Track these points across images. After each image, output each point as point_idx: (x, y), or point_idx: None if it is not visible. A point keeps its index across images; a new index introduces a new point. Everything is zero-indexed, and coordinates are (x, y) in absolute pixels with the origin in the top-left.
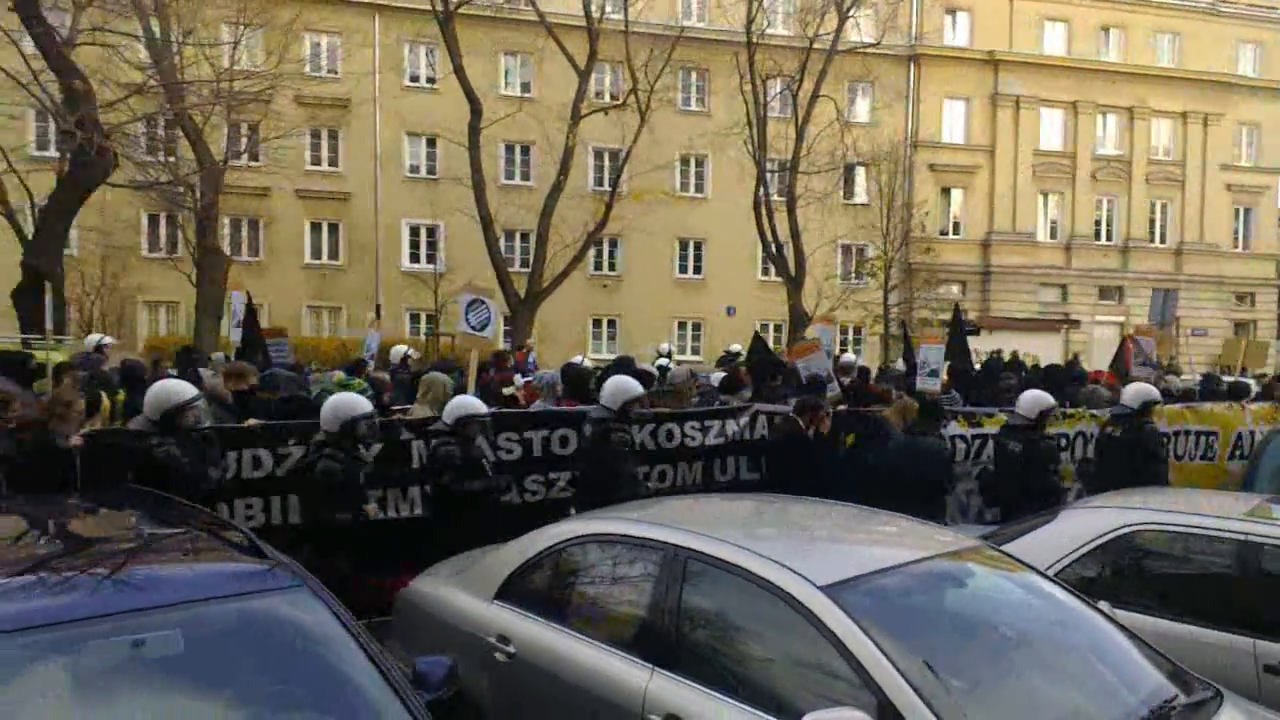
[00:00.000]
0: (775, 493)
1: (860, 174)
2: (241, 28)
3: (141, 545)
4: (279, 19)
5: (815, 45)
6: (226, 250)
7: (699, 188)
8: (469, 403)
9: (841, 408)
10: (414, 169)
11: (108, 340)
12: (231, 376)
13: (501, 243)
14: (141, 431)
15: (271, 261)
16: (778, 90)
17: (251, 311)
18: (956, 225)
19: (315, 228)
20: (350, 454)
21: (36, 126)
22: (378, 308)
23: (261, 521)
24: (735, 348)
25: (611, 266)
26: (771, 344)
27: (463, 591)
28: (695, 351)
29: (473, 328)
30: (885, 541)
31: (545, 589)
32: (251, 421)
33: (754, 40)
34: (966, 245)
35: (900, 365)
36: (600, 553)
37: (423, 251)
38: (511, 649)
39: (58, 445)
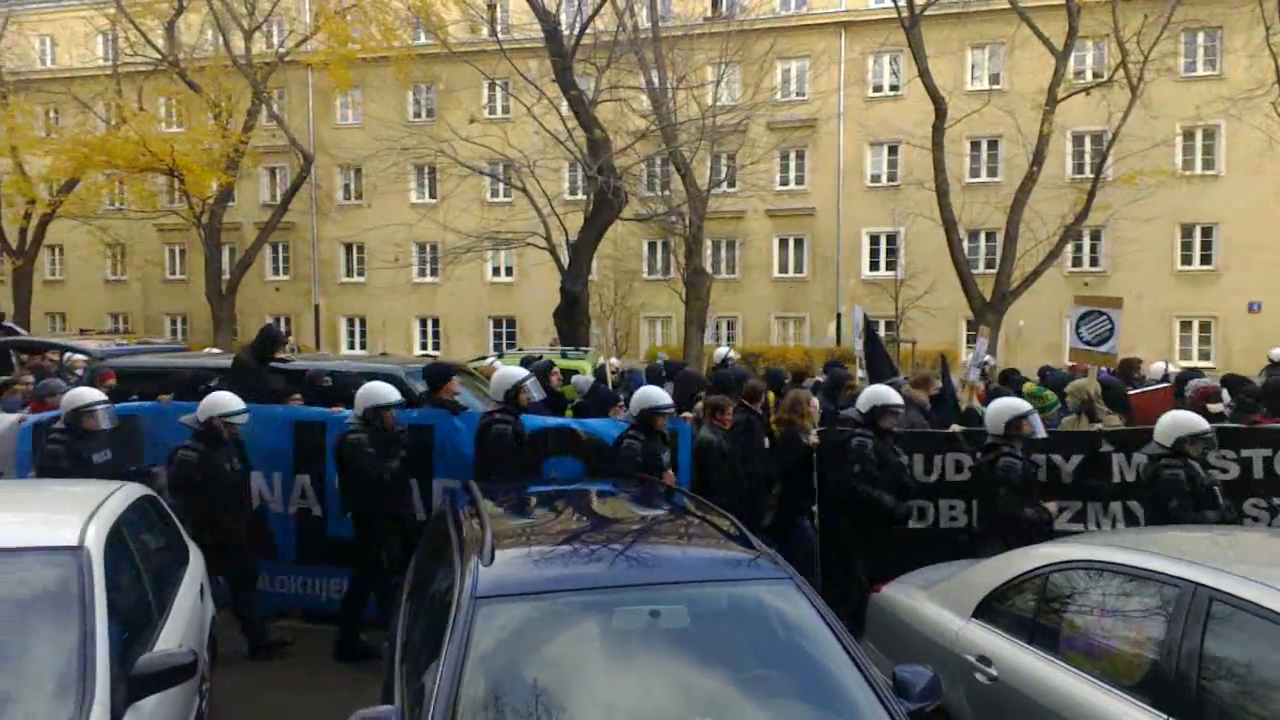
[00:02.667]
0: None
1: None
2: (723, 67)
3: (656, 528)
4: (755, 53)
5: None
6: (709, 269)
7: (1208, 164)
8: (1191, 421)
9: None
10: (875, 178)
11: (733, 354)
12: (919, 385)
13: (965, 244)
14: (857, 421)
15: (745, 277)
16: None
17: (870, 324)
18: None
19: (783, 243)
20: (1016, 453)
21: (569, 175)
22: (839, 316)
23: (964, 522)
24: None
25: (1094, 261)
26: None
27: (937, 605)
28: (1204, 356)
29: (1086, 343)
30: None
31: (1029, 613)
32: (955, 427)
33: None
34: None
35: None
36: (1092, 581)
37: (882, 259)
38: (993, 671)
39: (803, 441)
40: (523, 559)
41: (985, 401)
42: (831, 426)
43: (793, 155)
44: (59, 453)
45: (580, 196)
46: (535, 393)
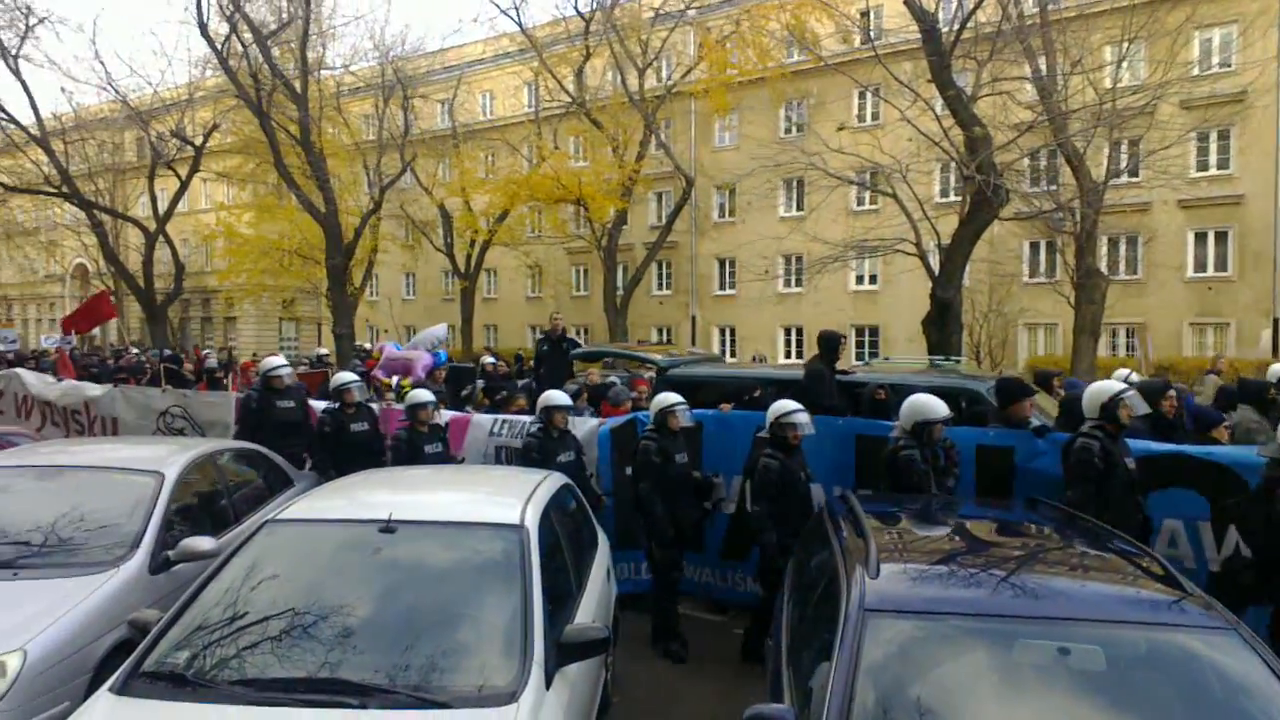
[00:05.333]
0: None
1: None
2: (1125, 44)
3: (1063, 558)
4: (1167, 25)
5: None
6: (1104, 270)
7: None
8: None
9: None
10: None
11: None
12: None
13: None
14: None
15: (1150, 278)
16: None
17: None
18: None
19: (1200, 238)
20: None
21: (941, 177)
22: (1275, 322)
23: None
24: None
25: None
26: None
27: None
28: None
29: None
30: None
31: None
32: None
33: None
34: None
35: None
36: None
37: None
38: None
39: None
40: (911, 575)
41: None
42: None
43: (1214, 136)
44: (652, 449)
45: (954, 198)
46: (1139, 406)
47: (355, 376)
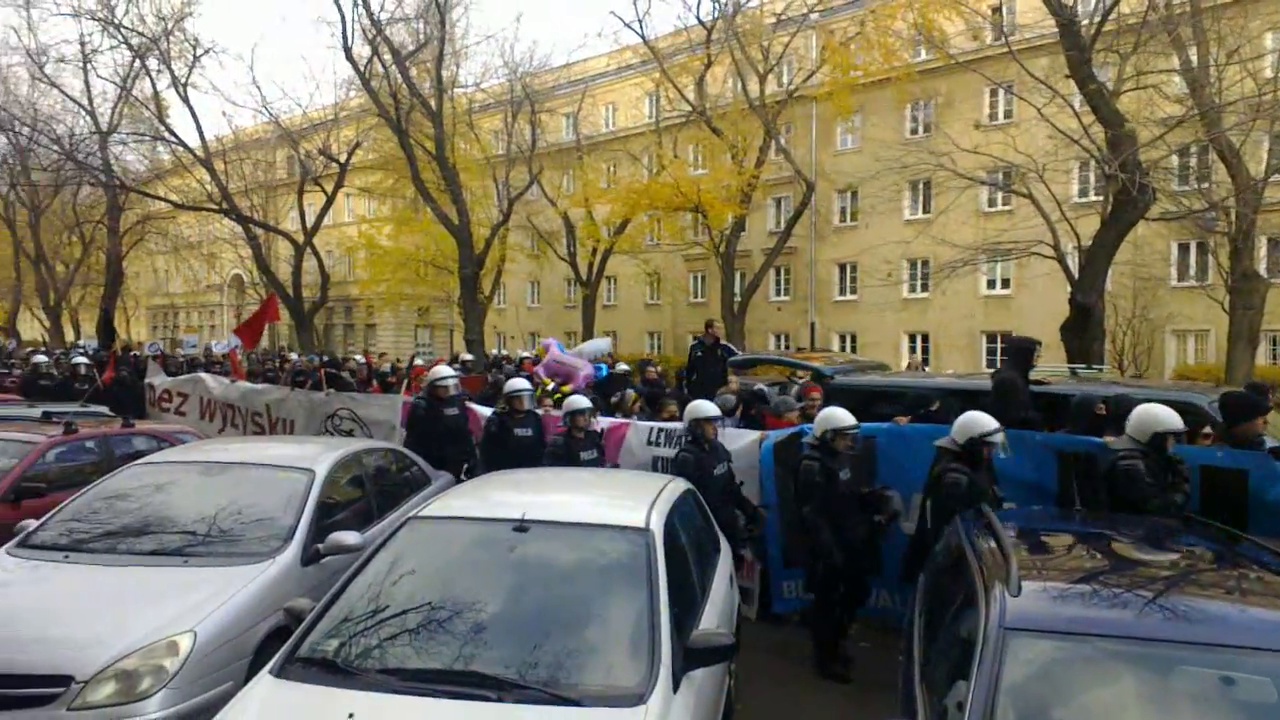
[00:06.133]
0: None
1: None
2: None
3: (1223, 581)
4: None
5: None
6: (1262, 272)
7: None
8: None
9: None
10: None
11: None
12: None
13: None
14: None
15: None
16: None
17: None
18: None
19: None
20: None
21: (1079, 176)
22: None
23: None
24: None
25: None
26: None
27: None
28: None
29: None
30: None
31: None
32: None
33: None
34: None
35: None
36: None
37: None
38: None
39: None
40: (1055, 594)
41: None
42: None
43: None
44: (814, 469)
45: (1094, 198)
46: None
47: (527, 384)
